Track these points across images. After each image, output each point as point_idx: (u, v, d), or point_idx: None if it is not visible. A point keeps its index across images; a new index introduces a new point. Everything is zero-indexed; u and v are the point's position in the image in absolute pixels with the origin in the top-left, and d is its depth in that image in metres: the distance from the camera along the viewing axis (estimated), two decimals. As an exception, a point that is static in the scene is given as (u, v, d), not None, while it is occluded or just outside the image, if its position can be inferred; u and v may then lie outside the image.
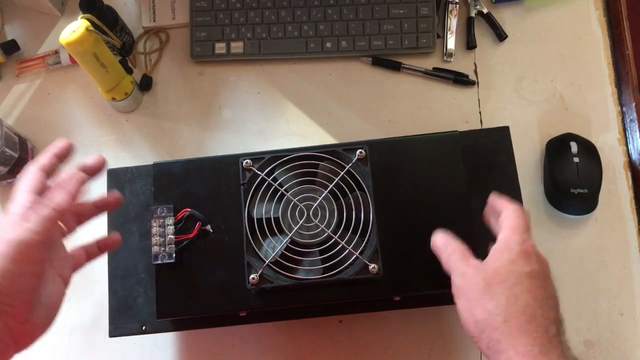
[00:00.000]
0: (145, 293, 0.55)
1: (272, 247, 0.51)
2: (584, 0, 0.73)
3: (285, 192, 0.52)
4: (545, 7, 0.73)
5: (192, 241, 0.52)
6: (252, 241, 0.51)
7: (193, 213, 0.52)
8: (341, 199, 0.52)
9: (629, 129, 0.69)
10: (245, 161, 0.53)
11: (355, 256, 0.50)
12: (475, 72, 0.71)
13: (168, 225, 0.52)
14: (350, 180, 0.52)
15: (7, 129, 0.64)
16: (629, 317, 0.63)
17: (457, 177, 0.54)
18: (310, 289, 0.51)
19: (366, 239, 0.51)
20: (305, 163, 0.53)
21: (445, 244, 0.47)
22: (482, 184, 0.54)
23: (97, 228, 0.68)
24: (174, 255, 0.51)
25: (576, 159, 0.65)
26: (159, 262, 0.51)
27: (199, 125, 0.71)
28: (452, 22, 0.71)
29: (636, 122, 0.68)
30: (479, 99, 0.71)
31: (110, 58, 0.63)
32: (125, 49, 0.69)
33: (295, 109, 0.71)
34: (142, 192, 0.56)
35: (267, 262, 0.50)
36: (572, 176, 0.64)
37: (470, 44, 0.71)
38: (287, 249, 0.51)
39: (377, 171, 0.53)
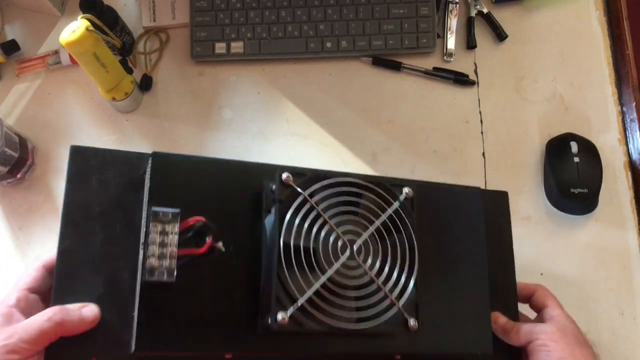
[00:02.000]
0: (103, 318, 0.40)
1: (306, 283, 0.41)
2: (584, 0, 0.73)
3: (328, 220, 0.43)
4: (546, 7, 0.73)
5: (193, 258, 0.41)
6: (285, 273, 0.41)
7: (208, 224, 0.41)
8: (386, 238, 0.45)
9: (629, 128, 0.69)
10: (286, 174, 0.43)
11: (395, 307, 0.43)
12: (476, 72, 0.71)
13: (171, 233, 0.40)
14: (397, 220, 0.46)
15: (7, 129, 0.64)
16: (629, 317, 0.63)
17: (477, 235, 0.51)
18: (338, 337, 0.43)
19: (410, 288, 0.44)
20: (348, 191, 0.45)
21: (511, 324, 0.51)
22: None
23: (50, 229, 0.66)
24: (174, 273, 0.39)
25: (576, 159, 0.65)
26: (155, 279, 0.39)
27: (199, 125, 0.71)
28: (452, 22, 0.71)
29: (636, 121, 0.68)
30: (479, 99, 0.71)
31: (110, 58, 0.63)
32: (125, 49, 0.69)
33: (295, 109, 0.71)
34: (113, 183, 0.43)
35: (300, 300, 0.40)
36: (572, 176, 0.64)
37: (470, 44, 0.71)
38: (321, 287, 0.42)
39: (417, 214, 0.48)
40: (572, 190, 0.64)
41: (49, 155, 0.69)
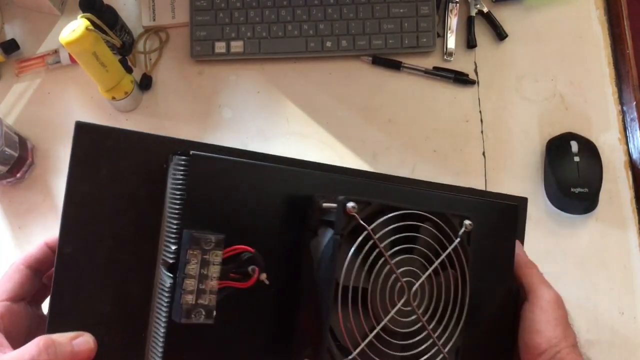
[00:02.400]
0: (107, 342, 0.33)
1: (359, 331, 0.35)
2: (585, -1, 0.73)
3: (389, 261, 0.37)
4: (546, 6, 0.73)
5: (234, 292, 0.34)
6: (339, 318, 0.34)
7: (256, 255, 0.34)
8: (441, 277, 0.39)
9: (629, 128, 0.69)
10: (351, 205, 0.35)
11: (441, 355, 0.38)
12: (476, 71, 0.71)
13: (213, 263, 0.32)
14: (454, 256, 0.40)
15: (7, 129, 0.64)
16: (629, 317, 0.63)
17: (508, 255, 0.46)
18: None
19: (457, 333, 0.39)
20: (408, 224, 0.38)
21: (531, 262, 0.47)
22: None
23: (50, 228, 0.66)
24: (214, 313, 0.32)
25: (576, 158, 0.65)
26: (192, 321, 0.31)
27: (199, 125, 0.71)
28: (453, 21, 0.71)
29: (636, 121, 0.67)
30: (479, 98, 0.71)
31: (110, 57, 0.63)
32: (125, 48, 0.69)
33: (295, 109, 0.71)
34: (128, 176, 0.35)
35: (353, 354, 0.34)
36: (572, 175, 0.64)
37: (470, 43, 0.71)
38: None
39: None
40: (572, 189, 0.64)
41: (49, 155, 0.69)
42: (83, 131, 0.34)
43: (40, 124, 0.71)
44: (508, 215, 0.47)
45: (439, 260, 0.38)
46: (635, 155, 0.68)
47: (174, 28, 0.74)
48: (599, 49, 0.72)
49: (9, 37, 0.73)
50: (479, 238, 0.41)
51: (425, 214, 0.38)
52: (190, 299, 0.31)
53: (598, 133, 0.69)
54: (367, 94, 0.71)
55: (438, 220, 0.38)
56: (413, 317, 0.37)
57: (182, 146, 0.36)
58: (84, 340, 0.33)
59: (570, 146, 0.65)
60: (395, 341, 0.37)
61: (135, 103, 0.71)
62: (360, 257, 0.35)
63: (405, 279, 0.37)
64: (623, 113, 0.70)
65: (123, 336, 0.34)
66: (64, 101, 0.72)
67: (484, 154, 0.69)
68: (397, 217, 0.37)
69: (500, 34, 0.71)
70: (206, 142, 0.38)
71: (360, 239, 0.35)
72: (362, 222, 0.35)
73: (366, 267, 0.35)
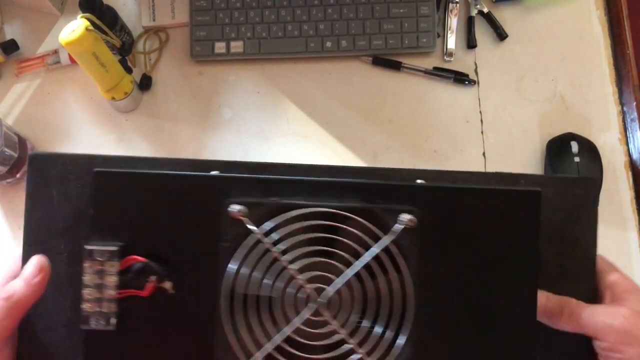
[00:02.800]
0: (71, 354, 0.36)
1: (264, 339, 0.34)
2: (585, -1, 0.73)
3: (287, 266, 0.34)
4: (546, 7, 0.73)
5: (141, 299, 0.35)
6: (230, 324, 0.34)
7: (149, 264, 0.35)
8: (371, 281, 0.34)
9: (629, 128, 0.69)
10: (234, 208, 0.34)
11: None
12: (476, 71, 0.71)
13: (109, 274, 0.34)
14: (388, 258, 0.34)
15: (7, 129, 0.64)
16: (629, 317, 0.63)
17: (528, 252, 0.36)
18: None
19: (399, 348, 0.33)
20: (323, 224, 0.34)
21: (559, 304, 0.37)
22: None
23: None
24: (113, 319, 0.34)
25: (577, 159, 0.65)
26: (92, 327, 0.34)
27: (199, 125, 0.71)
28: (453, 21, 0.71)
29: (637, 121, 0.67)
30: (479, 99, 0.70)
31: (109, 57, 0.63)
32: (124, 49, 0.69)
33: (295, 109, 0.71)
34: (76, 193, 0.38)
35: None
36: (572, 176, 0.64)
37: (470, 44, 0.71)
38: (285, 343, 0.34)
39: (423, 242, 0.35)
40: (572, 190, 0.64)
41: (49, 155, 0.69)
42: (34, 160, 0.38)
43: (40, 125, 0.71)
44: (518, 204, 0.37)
45: (354, 267, 0.33)
46: (635, 156, 0.68)
47: (173, 28, 0.74)
48: (599, 49, 0.72)
49: (8, 37, 0.73)
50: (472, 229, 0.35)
51: (341, 212, 0.34)
52: (88, 307, 0.34)
53: (598, 133, 0.69)
54: (367, 94, 0.71)
55: (358, 218, 0.34)
56: (331, 329, 0.33)
57: (105, 163, 0.38)
58: (34, 265, 0.35)
59: (570, 146, 0.65)
60: (311, 355, 0.33)
61: (135, 103, 0.71)
62: (252, 262, 0.34)
63: (313, 286, 0.34)
64: (623, 113, 0.70)
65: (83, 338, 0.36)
66: (63, 101, 0.72)
67: (484, 154, 0.69)
68: (305, 217, 0.34)
69: (500, 34, 0.71)
70: (131, 155, 0.40)
71: (251, 245, 0.34)
72: (250, 226, 0.34)
73: (262, 274, 0.34)
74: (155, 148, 0.70)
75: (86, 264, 0.34)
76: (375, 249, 0.33)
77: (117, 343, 0.35)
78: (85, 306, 0.34)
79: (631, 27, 0.70)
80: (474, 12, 0.72)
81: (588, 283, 0.39)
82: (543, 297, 0.37)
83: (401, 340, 0.34)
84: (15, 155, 0.64)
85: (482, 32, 0.72)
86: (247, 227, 0.34)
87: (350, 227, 0.34)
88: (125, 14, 0.73)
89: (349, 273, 0.34)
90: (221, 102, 0.71)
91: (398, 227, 0.34)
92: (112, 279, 0.34)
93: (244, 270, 0.34)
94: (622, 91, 0.70)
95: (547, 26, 0.72)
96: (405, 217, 0.33)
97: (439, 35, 0.72)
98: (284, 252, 0.34)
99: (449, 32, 0.71)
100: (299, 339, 0.33)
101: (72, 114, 0.71)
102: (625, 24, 0.70)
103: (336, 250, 0.34)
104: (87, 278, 0.34)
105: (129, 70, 0.68)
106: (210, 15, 0.71)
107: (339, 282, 0.33)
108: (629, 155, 0.68)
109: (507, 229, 0.36)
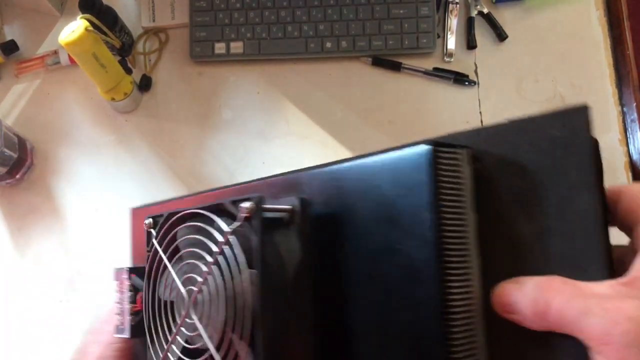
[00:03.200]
0: None
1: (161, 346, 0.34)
2: (585, 0, 0.73)
3: (169, 266, 0.33)
4: (546, 7, 0.73)
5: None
6: (159, 331, 0.34)
7: (133, 280, 0.38)
8: (232, 281, 0.30)
9: (629, 129, 0.69)
10: (148, 221, 0.37)
11: None
12: (476, 72, 0.71)
13: (125, 290, 0.38)
14: (228, 253, 0.29)
15: (7, 129, 0.64)
16: (629, 318, 0.63)
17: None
18: None
19: (256, 353, 0.27)
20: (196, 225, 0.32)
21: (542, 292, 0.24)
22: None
23: (49, 230, 0.67)
24: (125, 329, 0.38)
25: (577, 160, 0.64)
26: (117, 335, 0.39)
27: (199, 126, 0.71)
28: (453, 22, 0.71)
29: (637, 122, 0.67)
30: (479, 99, 0.70)
31: (109, 58, 0.63)
32: (124, 49, 0.69)
33: (295, 109, 0.71)
34: None
35: None
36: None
37: (470, 44, 0.71)
38: (184, 351, 0.32)
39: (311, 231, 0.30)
40: (572, 190, 0.63)
41: (48, 156, 0.69)
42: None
43: (40, 125, 0.71)
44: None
45: (208, 263, 0.30)
46: (635, 156, 0.68)
47: (173, 29, 0.74)
48: (600, 49, 0.72)
49: (8, 38, 0.73)
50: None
51: (199, 210, 0.32)
52: (117, 319, 0.39)
53: (598, 134, 0.68)
54: (367, 95, 0.71)
55: (207, 213, 0.31)
56: (198, 334, 0.31)
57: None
58: None
59: (570, 147, 0.65)
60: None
61: (135, 104, 0.70)
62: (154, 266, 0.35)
63: (187, 288, 0.32)
64: (623, 114, 0.69)
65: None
66: (63, 102, 0.72)
67: (484, 155, 0.69)
68: (183, 219, 0.33)
69: (500, 35, 0.71)
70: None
71: (152, 250, 0.35)
72: (154, 233, 0.35)
73: (159, 276, 0.35)
74: (155, 149, 0.70)
75: (116, 284, 0.39)
76: (213, 245, 0.30)
77: (142, 349, 0.37)
78: (117, 318, 0.38)
79: (631, 28, 0.70)
80: (473, 13, 0.72)
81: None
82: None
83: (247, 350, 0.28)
84: (15, 156, 0.64)
85: (482, 32, 0.72)
86: (152, 233, 0.36)
87: (206, 225, 0.31)
88: (125, 14, 0.73)
89: (204, 269, 0.30)
90: (221, 103, 0.71)
91: (239, 215, 0.29)
92: (127, 296, 0.38)
93: (152, 275, 0.36)
94: (622, 92, 0.70)
95: (547, 27, 0.72)
96: (244, 205, 0.28)
97: (438, 36, 0.72)
98: (175, 254, 0.34)
99: (449, 32, 0.71)
100: (186, 345, 0.32)
101: (71, 115, 0.71)
102: (625, 24, 0.70)
103: (198, 251, 0.31)
104: (115, 296, 0.39)
105: (128, 71, 0.68)
106: (210, 16, 0.71)
107: (207, 283, 0.30)
108: (629, 156, 0.68)
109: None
